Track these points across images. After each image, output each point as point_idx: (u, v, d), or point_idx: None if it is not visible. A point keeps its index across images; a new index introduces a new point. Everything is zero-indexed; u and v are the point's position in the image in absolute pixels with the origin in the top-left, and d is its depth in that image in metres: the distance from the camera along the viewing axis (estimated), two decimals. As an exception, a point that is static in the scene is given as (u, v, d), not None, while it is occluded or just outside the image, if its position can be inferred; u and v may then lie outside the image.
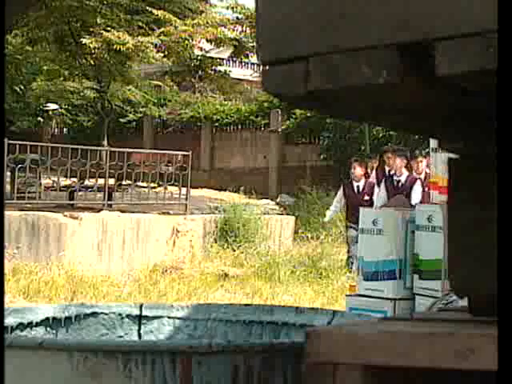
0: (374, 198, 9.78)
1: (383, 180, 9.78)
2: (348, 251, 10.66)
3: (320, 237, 12.43)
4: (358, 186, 10.19)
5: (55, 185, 12.45)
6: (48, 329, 2.23)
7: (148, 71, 20.00)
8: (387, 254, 4.13)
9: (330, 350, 1.25)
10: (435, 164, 4.13)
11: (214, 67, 18.67)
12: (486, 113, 1.25)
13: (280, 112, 19.24)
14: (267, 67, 1.28)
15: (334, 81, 1.21)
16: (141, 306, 2.39)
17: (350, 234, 10.25)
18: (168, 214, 12.16)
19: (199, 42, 16.82)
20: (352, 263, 9.92)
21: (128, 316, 2.36)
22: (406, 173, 9.50)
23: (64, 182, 12.79)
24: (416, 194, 9.07)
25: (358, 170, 10.20)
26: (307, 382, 1.46)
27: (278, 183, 19.66)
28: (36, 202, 11.86)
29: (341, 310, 3.14)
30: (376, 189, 9.90)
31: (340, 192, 10.56)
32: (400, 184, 9.42)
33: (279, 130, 19.48)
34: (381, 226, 4.17)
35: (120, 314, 2.35)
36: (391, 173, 9.73)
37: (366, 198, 10.02)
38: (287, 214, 14.34)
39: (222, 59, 20.19)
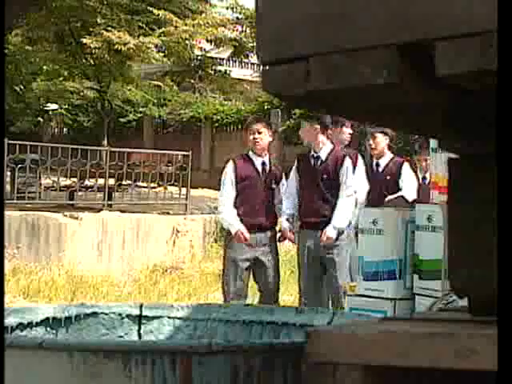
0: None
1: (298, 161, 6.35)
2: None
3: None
4: (263, 163, 6.54)
5: (55, 185, 12.44)
6: (48, 329, 2.23)
7: (148, 71, 19.99)
8: (387, 254, 4.13)
9: (330, 350, 1.25)
10: (435, 164, 4.13)
11: (214, 67, 18.70)
12: (486, 113, 1.25)
13: (280, 112, 19.23)
14: (267, 67, 1.28)
15: (334, 81, 1.21)
16: (141, 306, 2.39)
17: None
18: (168, 214, 12.16)
19: (199, 42, 16.84)
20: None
21: (128, 316, 2.36)
22: (329, 145, 6.09)
23: (64, 182, 12.77)
24: (349, 179, 6.00)
25: (264, 135, 6.44)
26: (307, 382, 1.46)
27: (278, 183, 19.62)
28: (36, 202, 11.85)
29: (341, 310, 3.14)
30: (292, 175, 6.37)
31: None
32: (319, 161, 6.07)
33: (279, 130, 19.47)
34: (381, 226, 4.17)
35: (120, 314, 2.35)
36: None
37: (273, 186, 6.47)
38: (287, 214, 14.29)
39: (222, 59, 20.23)
